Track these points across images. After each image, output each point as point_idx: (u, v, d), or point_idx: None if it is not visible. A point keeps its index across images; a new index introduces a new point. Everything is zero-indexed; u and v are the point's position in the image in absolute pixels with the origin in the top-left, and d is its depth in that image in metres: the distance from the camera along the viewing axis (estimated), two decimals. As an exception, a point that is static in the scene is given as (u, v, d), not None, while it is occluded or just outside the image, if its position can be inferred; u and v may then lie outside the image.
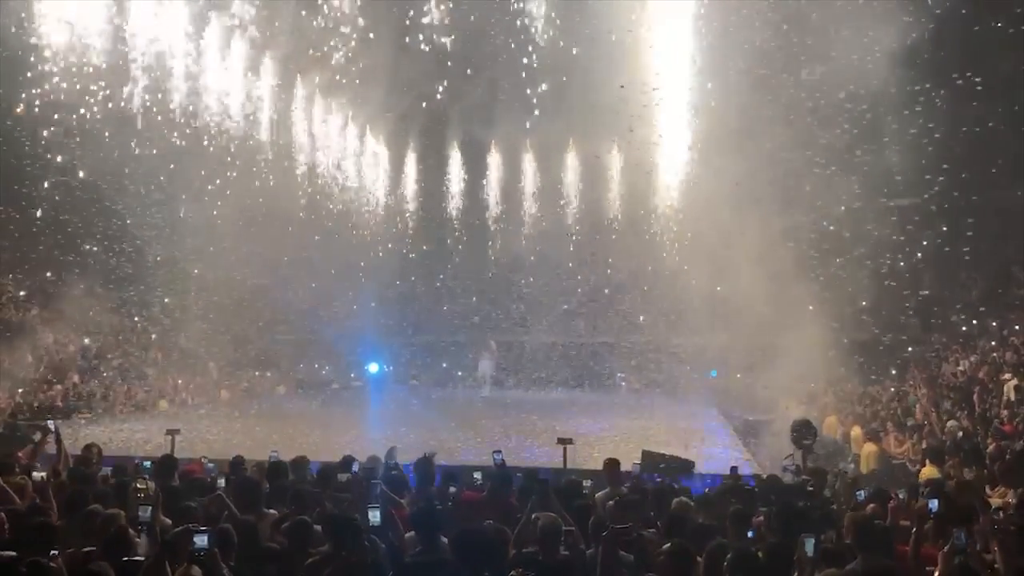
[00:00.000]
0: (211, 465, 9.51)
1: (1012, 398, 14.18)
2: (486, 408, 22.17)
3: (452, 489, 7.76)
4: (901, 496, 6.93)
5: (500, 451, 8.31)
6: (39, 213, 22.52)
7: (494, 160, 32.83)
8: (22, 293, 22.36)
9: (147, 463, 8.63)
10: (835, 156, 23.42)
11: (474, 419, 19.61)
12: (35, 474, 7.08)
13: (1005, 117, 22.13)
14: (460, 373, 27.27)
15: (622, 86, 23.48)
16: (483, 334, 27.88)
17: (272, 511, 6.66)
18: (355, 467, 8.22)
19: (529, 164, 32.38)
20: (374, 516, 5.61)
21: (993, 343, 18.87)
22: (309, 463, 8.52)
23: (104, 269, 25.00)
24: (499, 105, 27.66)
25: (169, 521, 5.97)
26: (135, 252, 25.49)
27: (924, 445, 12.86)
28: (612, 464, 8.21)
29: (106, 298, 24.63)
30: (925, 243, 24.86)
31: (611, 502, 6.58)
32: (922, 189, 25.40)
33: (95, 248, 24.96)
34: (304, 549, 5.54)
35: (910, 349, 22.22)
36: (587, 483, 7.73)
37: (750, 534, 5.94)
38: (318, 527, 5.77)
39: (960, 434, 13.02)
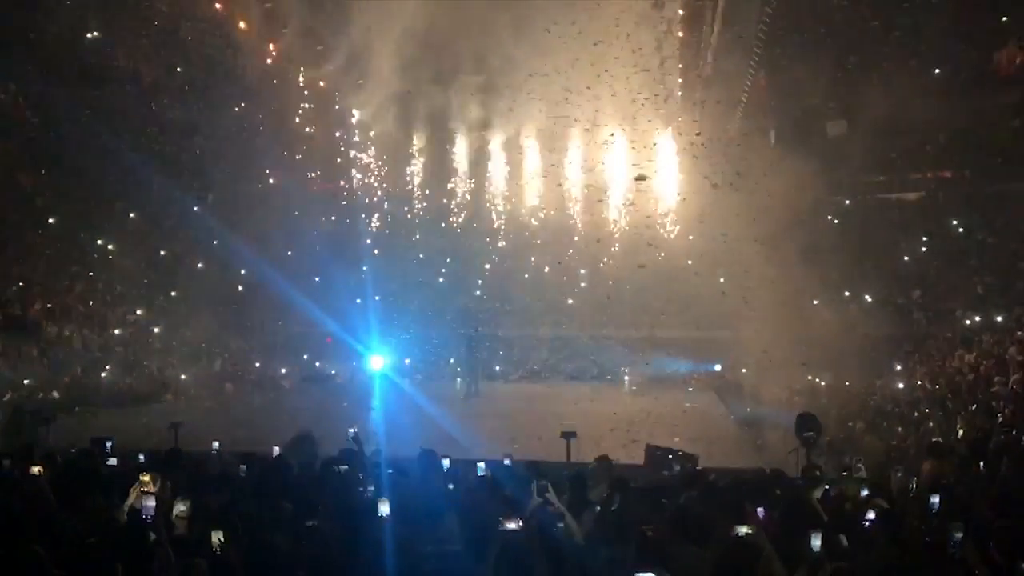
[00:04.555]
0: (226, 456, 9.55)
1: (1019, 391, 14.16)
2: (488, 402, 22.19)
3: (451, 487, 7.78)
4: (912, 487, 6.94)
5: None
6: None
7: (496, 150, 32.67)
8: (20, 284, 22.38)
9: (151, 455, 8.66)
10: (839, 150, 23.41)
11: (476, 413, 19.64)
12: (33, 468, 7.08)
13: (1013, 108, 22.11)
14: (460, 369, 27.29)
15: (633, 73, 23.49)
16: (486, 327, 27.81)
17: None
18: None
19: (532, 153, 32.16)
20: (383, 508, 5.63)
21: (997, 338, 18.82)
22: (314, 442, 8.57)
23: (108, 263, 25.09)
24: (500, 95, 27.65)
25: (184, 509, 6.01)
26: (139, 247, 25.58)
27: (927, 440, 12.85)
28: (603, 460, 8.40)
29: (110, 292, 24.70)
30: (926, 238, 24.85)
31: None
32: (928, 182, 25.41)
33: (100, 242, 25.03)
34: (308, 542, 5.56)
35: (914, 343, 22.15)
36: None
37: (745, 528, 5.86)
38: (315, 522, 5.80)
39: (961, 431, 13.02)
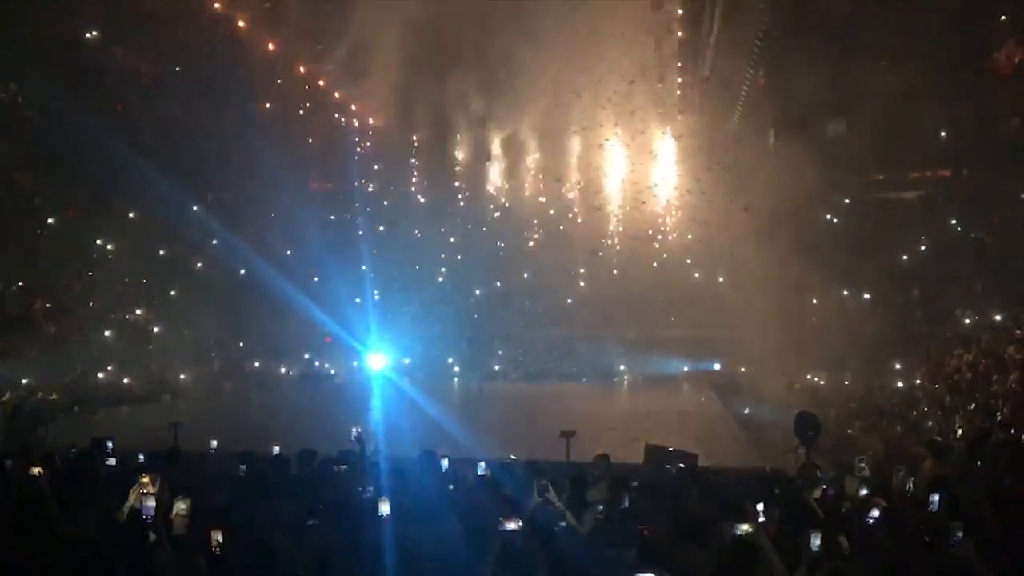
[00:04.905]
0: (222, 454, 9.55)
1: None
2: (487, 402, 22.21)
3: (451, 487, 7.77)
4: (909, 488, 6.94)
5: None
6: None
7: (495, 150, 32.63)
8: (20, 284, 22.37)
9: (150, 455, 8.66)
10: (838, 149, 23.40)
11: (475, 412, 19.65)
12: (33, 469, 7.06)
13: (1013, 108, 22.09)
14: (457, 369, 27.34)
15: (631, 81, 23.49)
16: (485, 327, 27.81)
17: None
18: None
19: (533, 153, 32.10)
20: (384, 508, 5.64)
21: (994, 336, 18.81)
22: (316, 455, 8.54)
23: (108, 263, 25.06)
24: (500, 96, 27.67)
25: (184, 508, 6.01)
26: (139, 247, 25.56)
27: (927, 439, 12.84)
28: (602, 458, 8.42)
29: (110, 292, 24.67)
30: (925, 238, 24.85)
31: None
32: (928, 181, 25.40)
33: (99, 242, 25.02)
34: (308, 542, 5.57)
35: (914, 343, 22.14)
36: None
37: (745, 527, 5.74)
38: (316, 521, 5.80)
39: (960, 430, 13.02)
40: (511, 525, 5.06)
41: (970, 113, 22.07)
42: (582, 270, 29.89)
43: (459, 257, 30.99)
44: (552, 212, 31.37)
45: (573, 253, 30.28)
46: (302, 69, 29.16)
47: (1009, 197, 22.57)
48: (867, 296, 23.93)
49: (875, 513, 5.88)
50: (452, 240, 31.65)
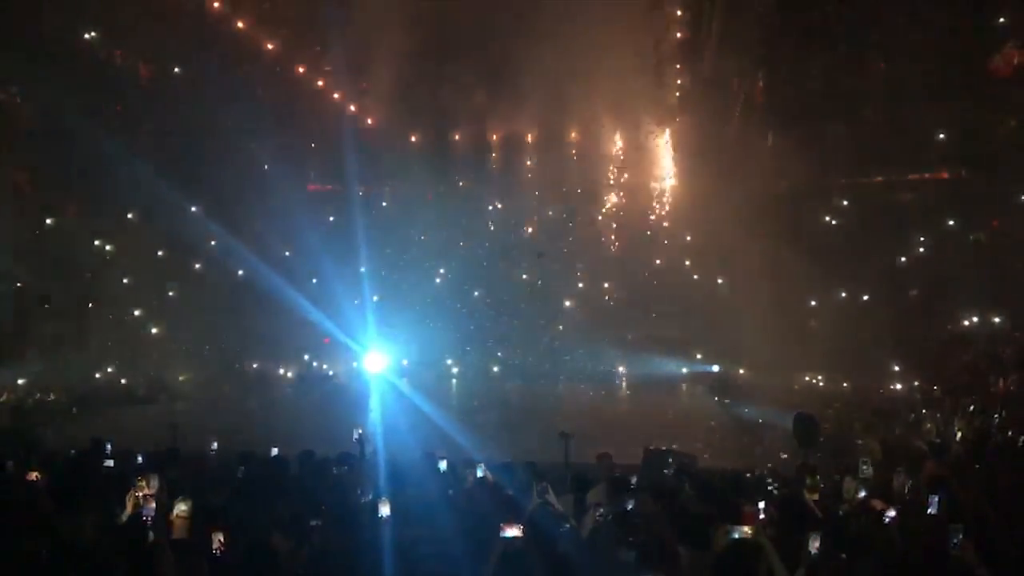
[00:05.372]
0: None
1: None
2: (486, 403, 22.19)
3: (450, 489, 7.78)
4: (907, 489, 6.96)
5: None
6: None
7: (494, 151, 32.57)
8: (19, 285, 22.35)
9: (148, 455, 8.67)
10: (837, 150, 23.43)
11: (474, 414, 19.66)
12: (31, 474, 7.06)
13: (1013, 108, 22.11)
14: (456, 370, 27.31)
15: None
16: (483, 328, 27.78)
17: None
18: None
19: (531, 154, 32.04)
20: (384, 509, 5.65)
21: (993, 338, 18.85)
22: (314, 456, 8.56)
23: (108, 263, 25.06)
24: (499, 96, 27.68)
25: (185, 509, 6.01)
26: (138, 247, 25.55)
27: (926, 440, 12.87)
28: (604, 458, 8.44)
29: (109, 292, 24.67)
30: (924, 238, 24.86)
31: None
32: (928, 182, 25.42)
33: (99, 242, 25.02)
34: (304, 543, 5.58)
35: (912, 343, 22.16)
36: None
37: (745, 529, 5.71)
38: (318, 522, 5.81)
39: (959, 433, 13.05)
40: (512, 532, 5.02)
41: (970, 114, 22.07)
42: (580, 272, 29.84)
43: (458, 259, 30.92)
44: (550, 213, 31.31)
45: (571, 254, 30.24)
46: (301, 69, 29.15)
47: (1008, 198, 22.56)
48: (866, 297, 23.93)
49: (891, 513, 5.90)
50: (451, 242, 31.59)
